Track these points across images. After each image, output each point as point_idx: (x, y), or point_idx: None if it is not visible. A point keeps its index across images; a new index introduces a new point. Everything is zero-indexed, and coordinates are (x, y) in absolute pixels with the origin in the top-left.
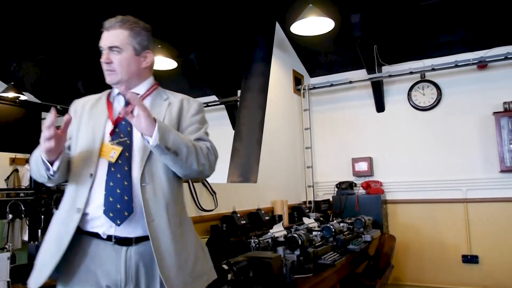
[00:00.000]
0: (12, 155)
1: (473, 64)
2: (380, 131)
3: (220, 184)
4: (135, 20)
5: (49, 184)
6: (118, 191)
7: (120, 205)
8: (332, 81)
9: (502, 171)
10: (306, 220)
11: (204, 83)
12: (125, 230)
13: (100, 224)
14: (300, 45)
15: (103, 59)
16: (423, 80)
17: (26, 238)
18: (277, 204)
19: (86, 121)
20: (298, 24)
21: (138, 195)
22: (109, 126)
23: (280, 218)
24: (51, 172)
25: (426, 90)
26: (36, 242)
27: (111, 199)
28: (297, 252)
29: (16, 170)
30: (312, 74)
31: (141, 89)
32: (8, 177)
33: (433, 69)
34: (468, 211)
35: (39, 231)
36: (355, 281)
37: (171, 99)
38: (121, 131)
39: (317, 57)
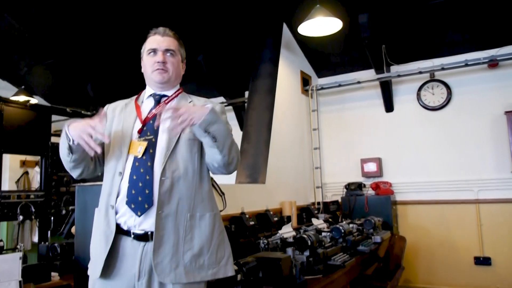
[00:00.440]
0: (23, 157)
1: (483, 63)
2: (389, 131)
3: (228, 185)
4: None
5: (75, 172)
6: (140, 184)
7: (141, 197)
8: (340, 81)
9: None
10: (315, 221)
11: (211, 85)
12: (144, 223)
13: (122, 214)
14: (308, 45)
15: (158, 59)
16: (432, 79)
17: (36, 239)
18: (286, 205)
19: (117, 124)
20: (305, 25)
21: (157, 189)
22: (138, 125)
23: (289, 219)
24: (73, 145)
25: (436, 89)
26: (47, 243)
27: (133, 192)
28: (307, 253)
29: (26, 173)
30: (320, 75)
31: (170, 92)
32: (18, 179)
33: (443, 69)
34: (480, 212)
35: (49, 232)
36: (365, 283)
37: (195, 102)
38: (148, 129)
39: (325, 58)
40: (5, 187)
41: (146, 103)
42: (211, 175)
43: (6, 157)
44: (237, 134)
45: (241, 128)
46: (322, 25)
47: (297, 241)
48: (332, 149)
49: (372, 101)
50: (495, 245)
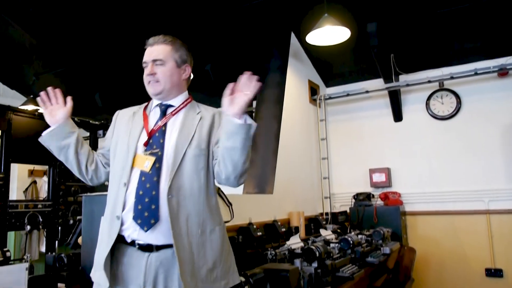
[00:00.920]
0: (31, 167)
1: (493, 71)
2: (398, 141)
3: (236, 195)
4: (175, 38)
5: (88, 176)
6: (147, 200)
7: (148, 213)
8: (348, 90)
9: None
10: (323, 232)
11: (219, 94)
12: (149, 237)
13: (127, 227)
14: (316, 54)
15: (147, 72)
16: (441, 88)
17: (43, 249)
18: (294, 215)
19: (123, 133)
20: (313, 34)
21: (164, 206)
22: (144, 137)
23: (297, 229)
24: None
25: (445, 99)
26: (54, 253)
27: (139, 207)
28: (315, 265)
29: (35, 182)
30: (328, 84)
31: (177, 101)
32: (26, 189)
33: (452, 78)
34: (490, 223)
35: (56, 242)
36: None
37: (203, 113)
38: (154, 142)
39: (333, 67)
40: (13, 196)
41: (153, 113)
42: (218, 185)
43: (15, 167)
44: None
45: None
46: (330, 34)
47: (305, 252)
48: (340, 159)
49: (381, 111)
50: (507, 257)
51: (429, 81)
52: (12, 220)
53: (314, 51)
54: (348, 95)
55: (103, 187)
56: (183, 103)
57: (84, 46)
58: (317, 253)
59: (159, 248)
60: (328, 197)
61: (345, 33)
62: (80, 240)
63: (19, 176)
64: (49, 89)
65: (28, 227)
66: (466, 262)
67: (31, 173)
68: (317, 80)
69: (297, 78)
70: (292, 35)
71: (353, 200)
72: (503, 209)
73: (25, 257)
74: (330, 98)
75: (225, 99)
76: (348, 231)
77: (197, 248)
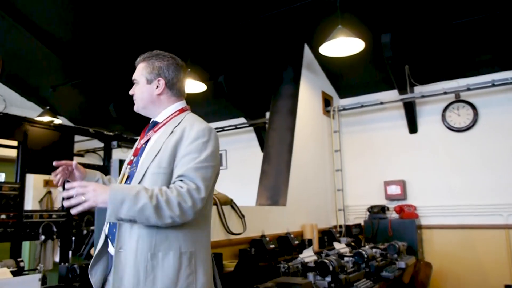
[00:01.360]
0: (46, 177)
1: (510, 83)
2: (413, 153)
3: (248, 207)
4: (156, 52)
5: None
6: None
7: (115, 229)
8: (362, 102)
9: None
10: (337, 245)
11: (233, 105)
12: None
13: (109, 245)
14: (329, 66)
15: (130, 92)
16: (458, 100)
17: (57, 259)
18: (307, 228)
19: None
20: (327, 45)
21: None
22: (131, 157)
23: (310, 242)
24: None
25: (462, 110)
26: (67, 264)
27: (111, 223)
28: (328, 279)
29: (50, 192)
30: (341, 95)
31: (161, 117)
32: (42, 199)
33: (469, 89)
34: (510, 238)
35: (70, 252)
36: None
37: (177, 128)
38: (135, 161)
39: (347, 78)
40: (29, 206)
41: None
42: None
43: (30, 177)
44: (259, 155)
45: (262, 148)
46: (344, 45)
47: (319, 266)
48: (354, 171)
49: (395, 122)
50: None
51: (445, 93)
52: (27, 230)
53: (327, 63)
54: (362, 106)
55: None
56: (167, 118)
57: (99, 57)
58: (331, 267)
59: None
60: (342, 210)
61: (359, 44)
62: (92, 251)
63: (35, 186)
64: (58, 163)
65: (43, 237)
66: (484, 278)
67: (46, 183)
68: (331, 91)
69: (310, 89)
70: (306, 46)
71: (368, 213)
72: None
73: (38, 267)
74: (344, 109)
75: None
76: (362, 245)
77: (144, 272)
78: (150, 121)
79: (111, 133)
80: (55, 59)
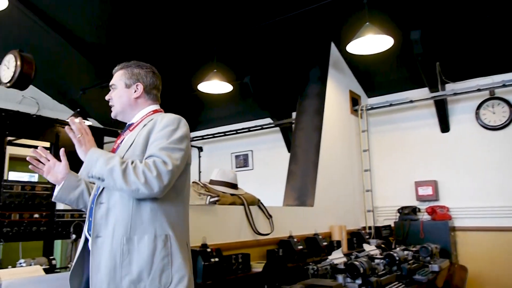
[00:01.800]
0: None
1: None
2: (446, 153)
3: (276, 207)
4: (134, 61)
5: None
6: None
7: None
8: (391, 100)
9: None
10: (366, 246)
11: (259, 106)
12: None
13: (90, 241)
14: (357, 64)
15: (106, 97)
16: (492, 97)
17: None
18: (335, 229)
19: None
20: (354, 43)
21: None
22: None
23: (339, 244)
24: (53, 197)
25: (497, 108)
26: None
27: (90, 219)
28: (359, 281)
29: None
30: (369, 94)
31: (136, 118)
32: None
33: (504, 85)
34: None
35: None
36: None
37: (150, 122)
38: None
39: (375, 76)
40: (60, 206)
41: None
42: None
43: None
44: (284, 156)
45: (289, 149)
46: (372, 43)
47: (349, 268)
48: (383, 171)
49: (426, 121)
50: None
51: (479, 90)
52: (58, 229)
53: (355, 61)
54: (391, 105)
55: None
56: (141, 118)
57: (127, 60)
58: (361, 269)
59: None
60: (371, 211)
61: (388, 41)
62: None
63: None
64: (35, 150)
65: (74, 236)
66: None
67: None
68: (358, 90)
69: (337, 88)
70: (332, 45)
71: (398, 214)
72: None
73: (69, 265)
74: (372, 108)
75: None
76: (393, 247)
77: (121, 256)
78: (126, 125)
79: None
80: (85, 62)
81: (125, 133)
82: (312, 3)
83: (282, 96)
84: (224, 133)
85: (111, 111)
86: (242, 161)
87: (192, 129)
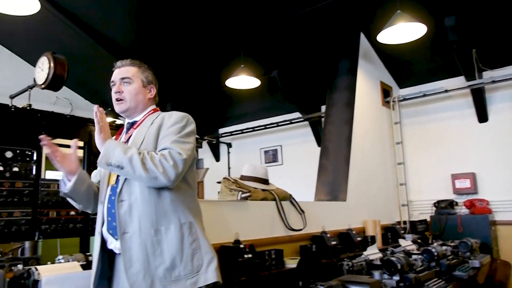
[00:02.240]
0: None
1: None
2: (484, 144)
3: (308, 203)
4: (141, 62)
5: (88, 210)
6: (113, 211)
7: (115, 223)
8: (424, 91)
9: None
10: (402, 242)
11: (287, 100)
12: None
13: (110, 241)
14: (388, 54)
15: (115, 90)
16: None
17: None
18: (369, 224)
19: None
20: (385, 33)
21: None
22: None
23: (373, 239)
24: (66, 190)
25: None
26: None
27: (109, 219)
28: (396, 278)
29: None
30: (401, 85)
31: (140, 117)
32: None
33: None
34: None
35: None
36: None
37: (157, 119)
38: None
39: (407, 66)
40: None
41: (123, 133)
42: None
43: None
44: (314, 150)
45: (318, 143)
46: (404, 31)
47: (385, 264)
48: (418, 164)
49: (462, 111)
50: None
51: None
52: (93, 225)
53: (385, 51)
54: (424, 95)
55: None
56: (144, 116)
57: (156, 59)
58: (399, 265)
59: None
60: (405, 205)
61: (421, 29)
62: None
63: None
64: (42, 137)
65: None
66: None
67: None
68: (390, 81)
69: (368, 80)
70: (362, 35)
71: (434, 208)
72: None
73: None
74: (404, 99)
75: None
76: (430, 242)
77: (152, 247)
78: (126, 123)
79: None
80: (114, 62)
81: (130, 131)
82: None
83: (311, 89)
84: (253, 129)
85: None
86: (271, 156)
87: (220, 126)
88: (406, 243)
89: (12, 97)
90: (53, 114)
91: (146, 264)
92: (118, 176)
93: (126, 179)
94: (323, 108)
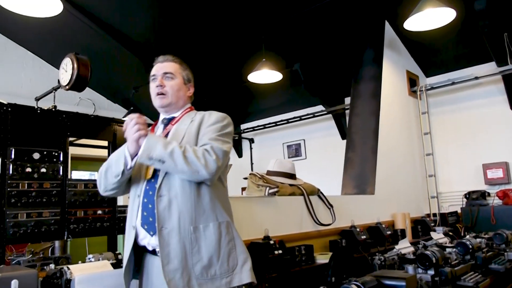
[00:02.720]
0: None
1: None
2: None
3: (336, 197)
4: (181, 60)
5: (109, 192)
6: (150, 206)
7: (152, 218)
8: (453, 78)
9: None
10: (434, 235)
11: (309, 93)
12: (157, 241)
13: (143, 237)
14: (413, 42)
15: (156, 83)
16: None
17: None
18: (398, 217)
19: None
20: (412, 19)
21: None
22: None
23: (403, 232)
24: (128, 167)
25: None
26: None
27: (145, 214)
28: (431, 272)
29: None
30: (427, 74)
31: (177, 113)
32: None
33: None
34: None
35: None
36: None
37: (196, 117)
38: None
39: (433, 54)
40: (120, 202)
41: (159, 128)
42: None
43: None
44: (338, 143)
45: (342, 136)
46: (431, 17)
47: (419, 258)
48: (447, 154)
49: (493, 98)
50: None
51: None
52: (120, 224)
53: (411, 39)
54: (453, 83)
55: None
56: (182, 112)
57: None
58: (434, 259)
59: None
60: (435, 197)
61: (449, 14)
62: None
63: None
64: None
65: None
66: None
67: None
68: (416, 70)
69: (393, 69)
70: (386, 23)
71: (465, 200)
72: None
73: None
74: (432, 88)
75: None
76: (462, 234)
77: (190, 244)
78: (161, 119)
79: None
80: (135, 61)
81: (168, 126)
82: None
83: (334, 81)
84: (275, 123)
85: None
86: (294, 150)
87: (242, 121)
88: (438, 236)
89: (37, 99)
90: (78, 115)
91: (184, 261)
92: (155, 170)
93: (166, 173)
94: (347, 100)
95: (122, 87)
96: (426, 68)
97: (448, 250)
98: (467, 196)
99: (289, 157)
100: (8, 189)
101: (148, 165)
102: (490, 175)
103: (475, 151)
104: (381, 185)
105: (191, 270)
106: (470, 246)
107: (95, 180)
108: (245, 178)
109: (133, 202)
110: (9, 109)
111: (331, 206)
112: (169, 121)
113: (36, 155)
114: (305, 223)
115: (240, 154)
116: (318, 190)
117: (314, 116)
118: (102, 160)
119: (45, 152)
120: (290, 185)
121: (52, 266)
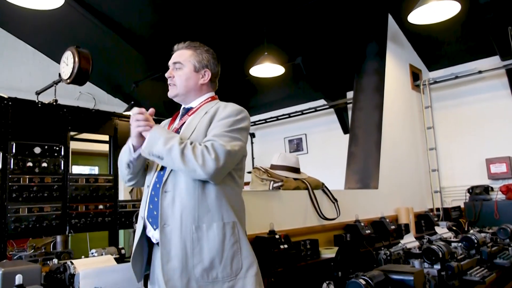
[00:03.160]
0: None
1: None
2: None
3: (339, 191)
4: (198, 43)
5: (130, 183)
6: (156, 199)
7: (156, 211)
8: (456, 72)
9: None
10: (438, 229)
11: (312, 87)
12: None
13: (149, 229)
14: (417, 36)
15: (166, 74)
16: None
17: None
18: (402, 211)
19: None
20: (416, 12)
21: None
22: None
23: (407, 227)
24: (133, 157)
25: None
26: None
27: (151, 207)
28: (437, 266)
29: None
30: (431, 68)
31: (196, 103)
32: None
33: None
34: None
35: None
36: None
37: (211, 109)
38: None
39: (437, 48)
40: (121, 197)
41: (177, 119)
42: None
43: None
44: (340, 137)
45: (344, 130)
46: (436, 10)
47: (425, 252)
48: (450, 149)
49: (497, 93)
50: None
51: None
52: (122, 219)
53: (414, 33)
54: (456, 77)
55: None
56: (200, 103)
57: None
58: (440, 254)
59: None
60: (438, 191)
61: (454, 7)
62: None
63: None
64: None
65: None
66: None
67: None
68: (419, 64)
69: (396, 63)
70: (389, 17)
71: (468, 194)
72: None
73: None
74: (435, 82)
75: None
76: (466, 229)
77: (191, 244)
78: (181, 108)
79: None
80: (136, 55)
81: (184, 117)
82: None
83: (336, 75)
84: (277, 118)
85: (168, 89)
86: (296, 145)
87: None
88: (442, 230)
89: (38, 93)
90: (79, 109)
91: (184, 261)
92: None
93: (172, 169)
94: (349, 94)
95: (123, 81)
96: (429, 62)
97: (453, 244)
98: (470, 190)
99: (290, 152)
100: (9, 183)
101: None
102: (494, 169)
103: (478, 146)
104: (385, 179)
105: (191, 271)
106: (476, 241)
107: (96, 175)
108: (249, 172)
109: (145, 192)
110: (10, 103)
111: (336, 200)
112: (186, 112)
113: (37, 150)
114: (310, 218)
115: None
116: (323, 184)
117: (316, 111)
118: (102, 154)
119: (46, 147)
120: (295, 179)
121: (55, 261)
